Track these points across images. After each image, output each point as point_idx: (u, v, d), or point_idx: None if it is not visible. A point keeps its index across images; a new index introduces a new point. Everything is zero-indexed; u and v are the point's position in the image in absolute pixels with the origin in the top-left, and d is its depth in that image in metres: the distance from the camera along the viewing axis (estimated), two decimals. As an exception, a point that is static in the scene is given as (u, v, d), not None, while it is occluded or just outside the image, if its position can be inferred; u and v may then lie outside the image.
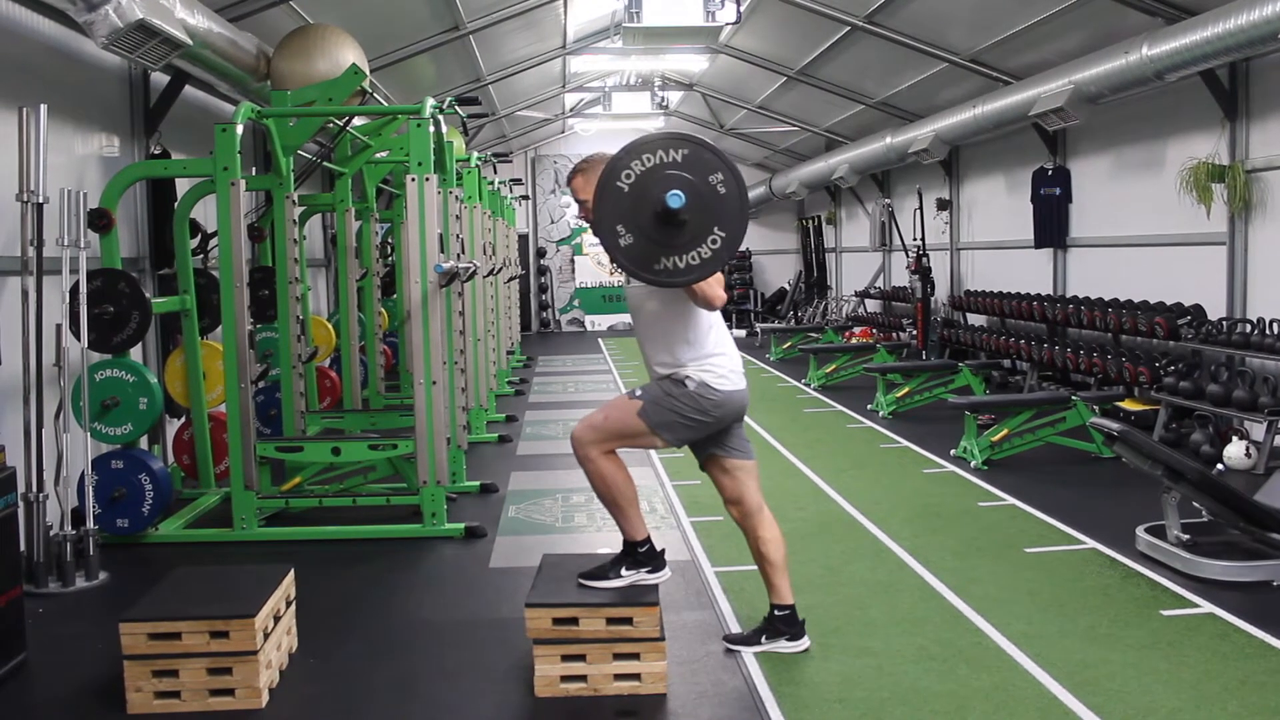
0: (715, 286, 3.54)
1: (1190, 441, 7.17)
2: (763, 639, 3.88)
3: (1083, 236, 10.06)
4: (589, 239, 19.43)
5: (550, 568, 3.90)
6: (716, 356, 3.69)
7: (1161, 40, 7.27)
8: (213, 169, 5.53)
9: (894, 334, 14.02)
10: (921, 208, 12.82)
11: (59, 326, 5.03)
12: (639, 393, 3.70)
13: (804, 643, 3.88)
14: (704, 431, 3.72)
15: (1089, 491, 6.33)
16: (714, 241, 3.40)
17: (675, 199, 3.28)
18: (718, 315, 3.75)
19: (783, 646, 3.86)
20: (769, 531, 3.85)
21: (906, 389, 9.42)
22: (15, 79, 5.53)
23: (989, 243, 12.32)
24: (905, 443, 7.96)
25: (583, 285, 20.40)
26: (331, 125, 7.36)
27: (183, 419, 6.69)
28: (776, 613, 3.88)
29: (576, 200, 3.80)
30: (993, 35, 9.43)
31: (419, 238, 5.50)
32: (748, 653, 3.85)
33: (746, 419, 3.96)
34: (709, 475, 3.91)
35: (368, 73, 6.92)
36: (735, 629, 4.10)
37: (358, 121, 7.67)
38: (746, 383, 3.79)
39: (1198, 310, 7.86)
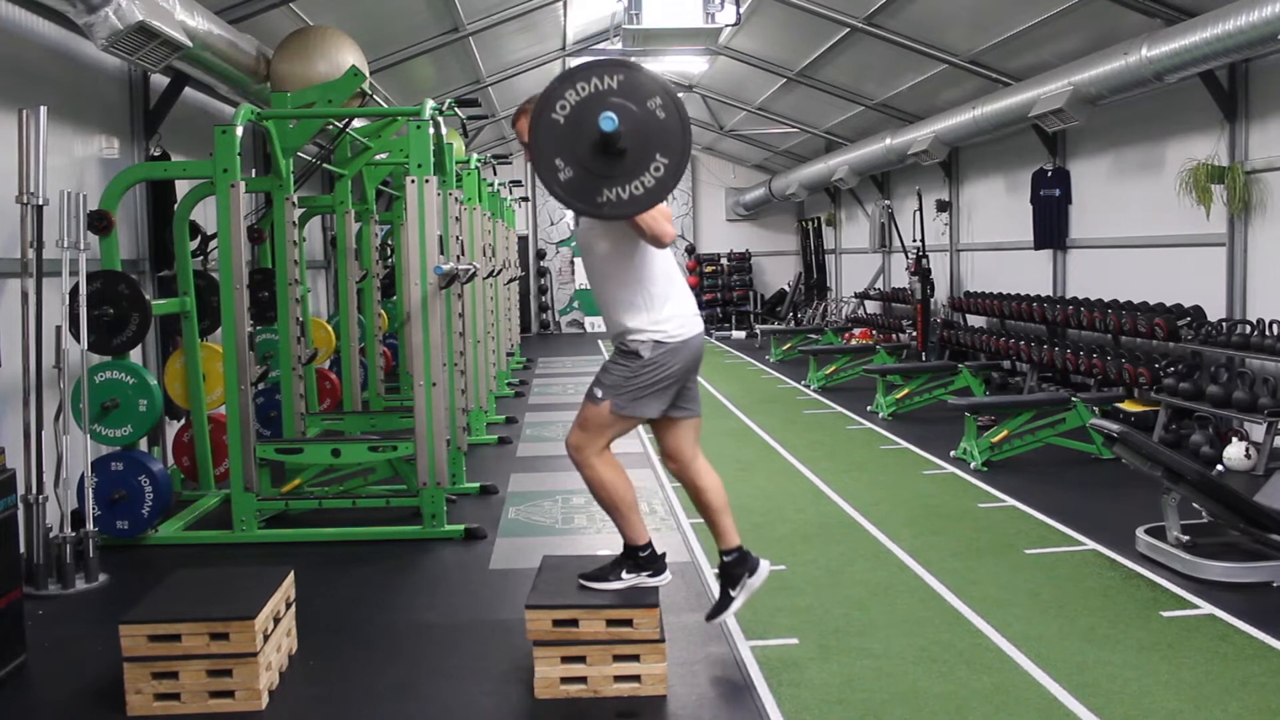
0: (662, 222, 3.46)
1: (1190, 443, 7.17)
2: (730, 594, 3.83)
3: (1082, 237, 10.06)
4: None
5: (550, 569, 3.90)
6: (668, 304, 3.63)
7: (1161, 41, 7.28)
8: (212, 171, 5.53)
9: (894, 335, 14.02)
10: (921, 209, 12.82)
11: (59, 328, 5.03)
12: (599, 393, 3.62)
13: (764, 569, 3.86)
14: (677, 385, 3.67)
15: (1089, 493, 6.33)
16: (657, 169, 3.29)
17: (608, 121, 3.15)
18: (669, 258, 3.68)
19: (750, 585, 3.83)
20: (707, 480, 3.82)
21: (906, 390, 9.43)
22: (15, 81, 5.53)
23: (989, 244, 12.32)
24: (905, 444, 7.96)
25: (582, 287, 20.39)
26: (331, 127, 7.37)
27: (182, 421, 6.69)
28: (725, 559, 3.84)
29: (522, 144, 3.63)
30: (992, 36, 9.44)
31: (419, 239, 5.50)
32: (733, 614, 3.84)
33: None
34: (652, 428, 3.85)
35: (367, 74, 6.92)
36: (735, 630, 4.10)
37: (357, 123, 7.67)
38: (701, 326, 3.74)
39: (1197, 311, 7.86)
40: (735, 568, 3.84)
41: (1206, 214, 7.77)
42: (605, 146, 3.23)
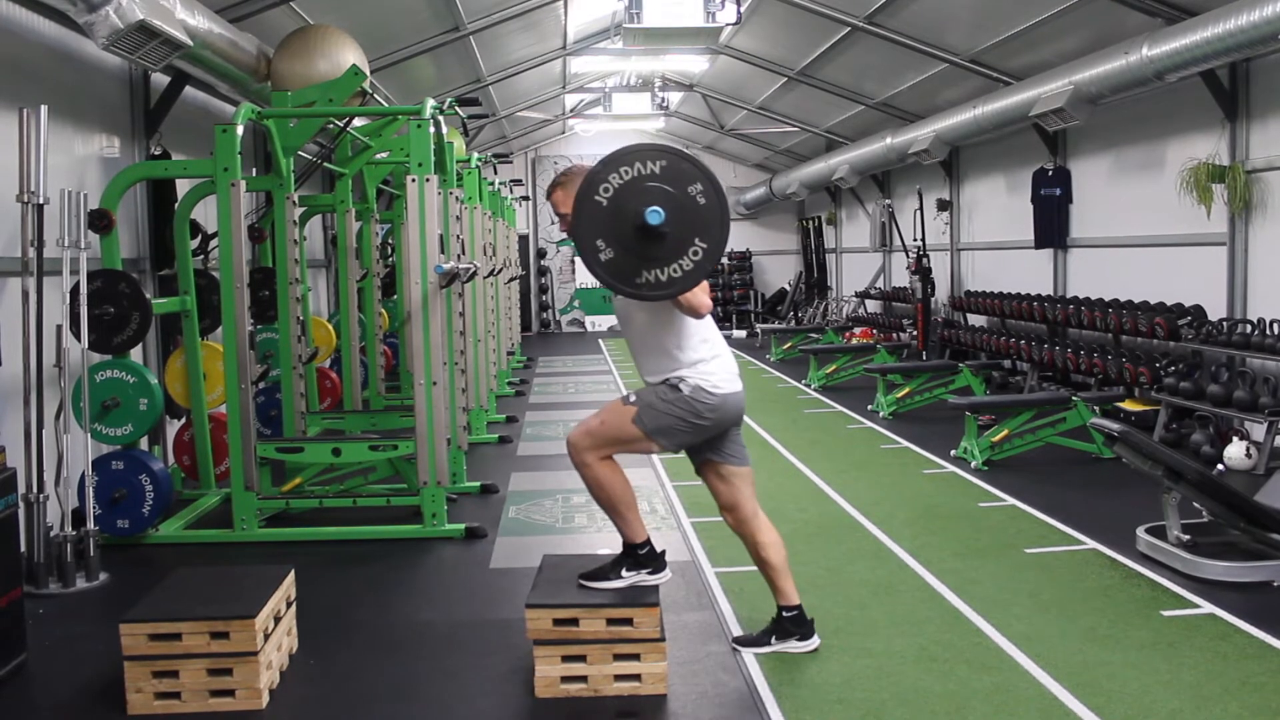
0: (700, 295, 3.51)
1: (1190, 442, 7.17)
2: (772, 640, 3.88)
3: (1083, 237, 10.06)
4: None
5: (551, 568, 3.90)
6: (710, 361, 3.67)
7: (1161, 41, 7.28)
8: (213, 170, 5.53)
9: (894, 334, 14.02)
10: (922, 208, 12.82)
11: (59, 327, 5.03)
12: (632, 398, 3.67)
13: (814, 641, 3.88)
14: (702, 435, 3.71)
15: (1089, 492, 6.33)
16: (695, 253, 3.39)
17: (655, 215, 3.28)
18: (708, 319, 3.72)
19: (793, 646, 3.86)
20: (766, 536, 3.84)
21: (907, 389, 9.42)
22: (16, 80, 5.53)
23: (989, 243, 12.32)
24: (906, 443, 7.96)
25: (583, 286, 20.40)
26: (332, 126, 7.36)
27: (183, 420, 6.69)
28: (785, 614, 3.88)
29: (557, 214, 3.76)
30: (993, 36, 9.43)
31: (419, 238, 5.50)
32: (758, 653, 3.85)
33: (747, 420, 3.96)
34: (704, 480, 3.90)
35: (368, 73, 6.92)
36: (736, 630, 4.10)
37: (358, 122, 7.67)
38: (742, 385, 3.78)
39: (1198, 311, 7.86)
40: (792, 625, 3.88)
41: (1207, 213, 7.76)
42: (647, 230, 3.33)
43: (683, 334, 3.65)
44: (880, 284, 16.01)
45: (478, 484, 6.71)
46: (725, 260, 20.12)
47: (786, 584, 3.87)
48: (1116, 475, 6.57)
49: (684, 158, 3.43)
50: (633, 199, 3.33)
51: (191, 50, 5.90)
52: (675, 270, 3.40)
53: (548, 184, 3.93)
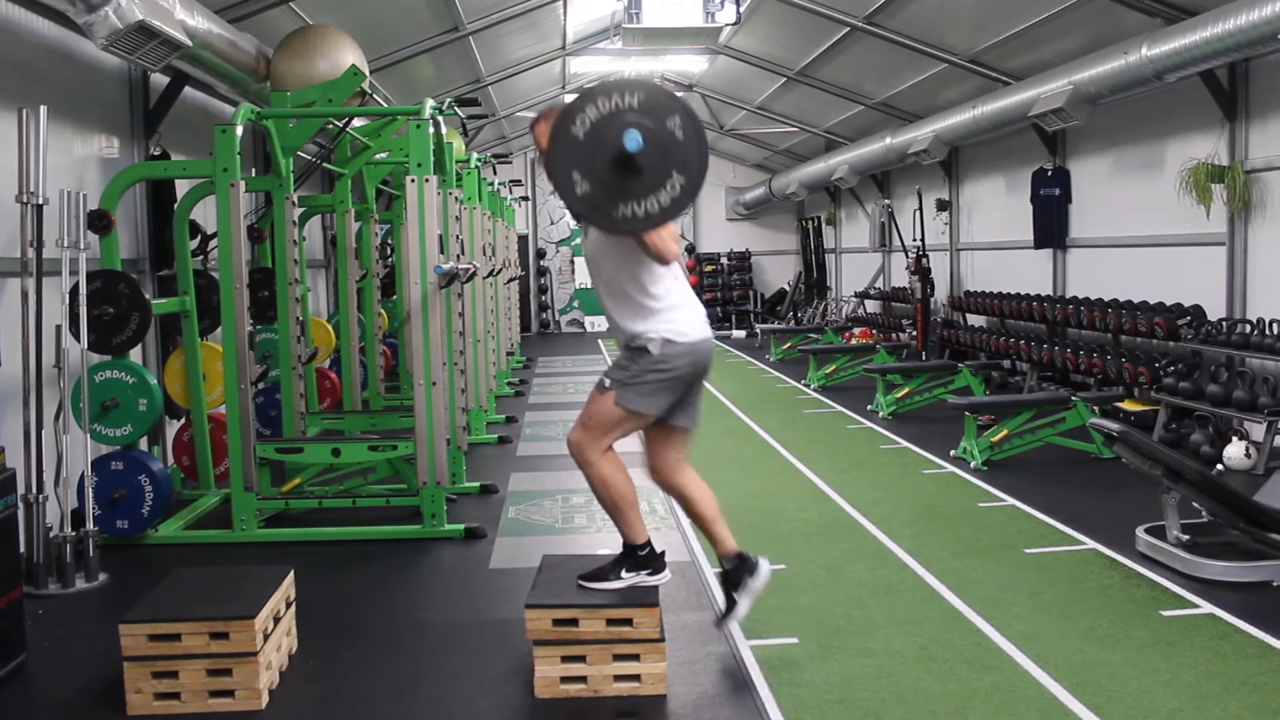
0: (668, 240, 3.49)
1: (1190, 442, 7.17)
2: (735, 597, 3.83)
3: (1082, 237, 10.06)
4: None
5: (550, 569, 3.90)
6: (677, 310, 3.65)
7: (1161, 41, 7.28)
8: (212, 170, 5.53)
9: (894, 335, 14.02)
10: (921, 208, 12.82)
11: (59, 328, 5.03)
12: (607, 383, 3.65)
13: (764, 569, 3.84)
14: (681, 387, 3.66)
15: (1089, 492, 6.33)
16: (673, 187, 3.33)
17: (633, 141, 3.21)
18: (676, 267, 3.69)
19: (752, 586, 3.80)
20: (696, 491, 3.82)
21: (906, 390, 9.43)
22: (15, 80, 5.53)
23: (989, 243, 12.32)
24: (905, 443, 7.96)
25: (582, 286, 20.38)
26: (331, 126, 7.36)
27: (182, 420, 6.69)
28: (726, 566, 3.84)
29: (539, 148, 3.68)
30: (992, 36, 9.44)
31: (418, 239, 5.50)
32: (736, 619, 3.85)
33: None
34: (643, 434, 3.82)
35: (367, 73, 6.92)
36: (735, 629, 4.09)
37: (357, 122, 7.67)
38: (710, 332, 3.75)
39: (1197, 311, 7.86)
40: (736, 574, 3.84)
41: (1206, 213, 7.77)
42: (624, 163, 3.27)
43: (650, 280, 3.62)
44: (880, 284, 16.01)
45: (477, 484, 6.71)
46: (725, 260, 20.14)
47: (723, 532, 3.82)
48: (1116, 475, 6.57)
49: (663, 91, 3.38)
50: (610, 131, 3.27)
51: (191, 50, 5.90)
52: (653, 205, 3.34)
53: (531, 120, 3.85)
